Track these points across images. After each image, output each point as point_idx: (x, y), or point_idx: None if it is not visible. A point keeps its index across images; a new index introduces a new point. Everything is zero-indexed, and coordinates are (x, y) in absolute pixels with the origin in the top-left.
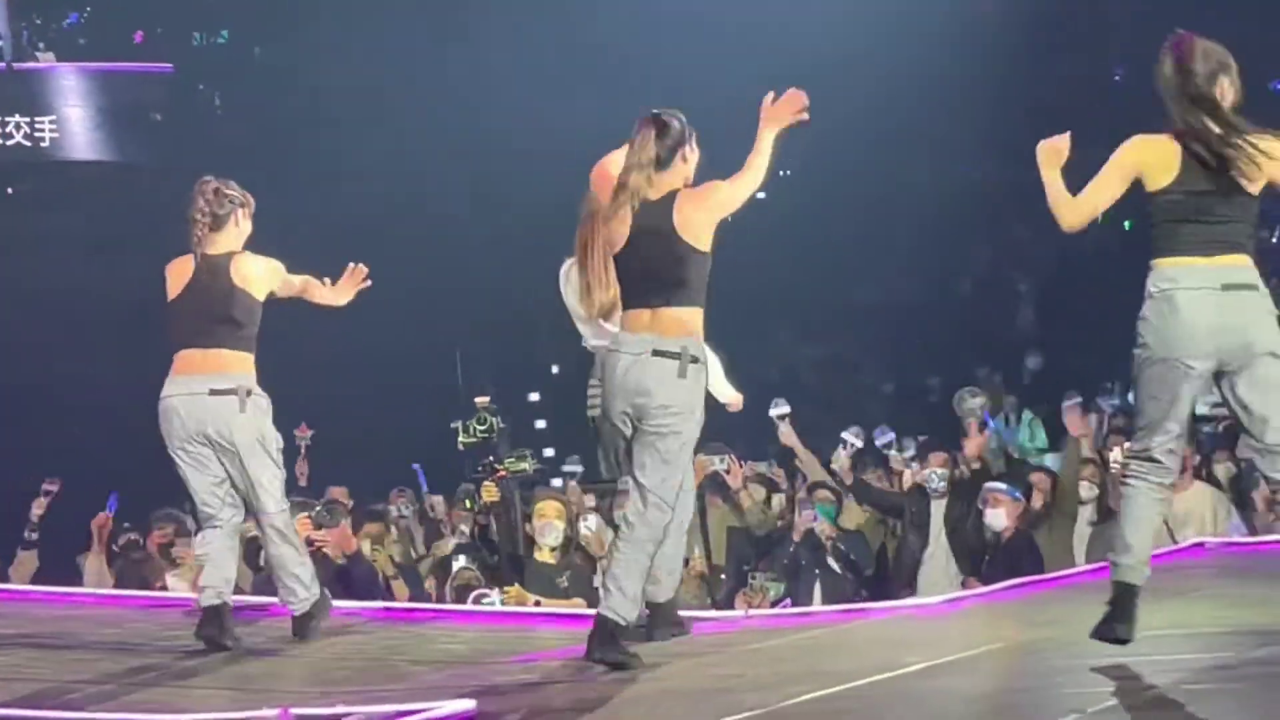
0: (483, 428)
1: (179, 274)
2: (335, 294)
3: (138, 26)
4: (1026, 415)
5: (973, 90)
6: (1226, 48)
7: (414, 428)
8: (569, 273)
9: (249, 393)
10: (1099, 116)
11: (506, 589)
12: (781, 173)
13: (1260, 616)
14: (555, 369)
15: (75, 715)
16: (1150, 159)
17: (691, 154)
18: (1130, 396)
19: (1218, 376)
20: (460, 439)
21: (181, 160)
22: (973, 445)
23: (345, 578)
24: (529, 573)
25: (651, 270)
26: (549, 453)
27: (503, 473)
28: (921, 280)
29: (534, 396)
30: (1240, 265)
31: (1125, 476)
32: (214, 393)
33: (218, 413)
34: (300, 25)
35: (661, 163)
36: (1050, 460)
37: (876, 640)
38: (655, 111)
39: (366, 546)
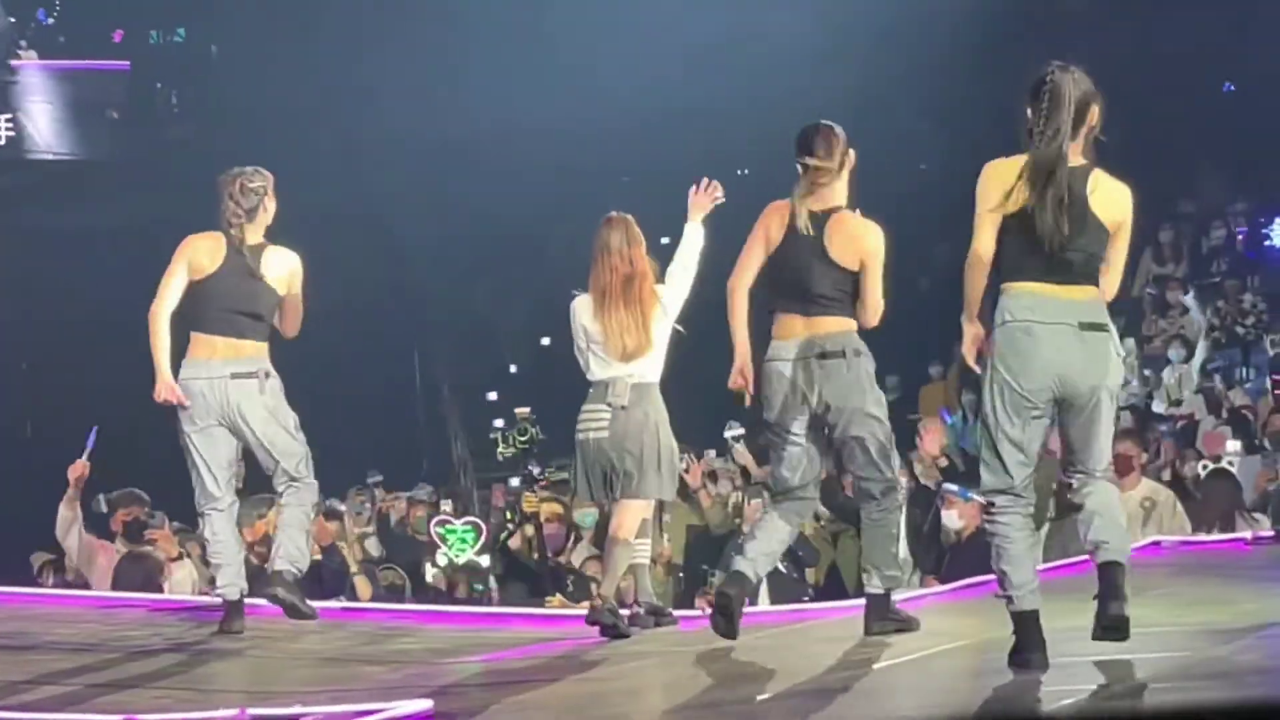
0: (523, 439)
1: (210, 255)
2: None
3: (102, 24)
4: None
5: (933, 87)
6: (1176, 50)
7: (372, 425)
8: (577, 307)
9: (267, 374)
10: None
11: (549, 598)
12: (739, 171)
13: (1218, 615)
14: (513, 368)
15: (27, 717)
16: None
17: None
18: None
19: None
20: (499, 449)
21: (137, 158)
22: (932, 443)
23: (316, 572)
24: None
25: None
26: (507, 453)
27: (545, 483)
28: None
29: (492, 396)
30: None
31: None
32: (235, 376)
33: (239, 394)
34: (257, 25)
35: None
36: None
37: (834, 639)
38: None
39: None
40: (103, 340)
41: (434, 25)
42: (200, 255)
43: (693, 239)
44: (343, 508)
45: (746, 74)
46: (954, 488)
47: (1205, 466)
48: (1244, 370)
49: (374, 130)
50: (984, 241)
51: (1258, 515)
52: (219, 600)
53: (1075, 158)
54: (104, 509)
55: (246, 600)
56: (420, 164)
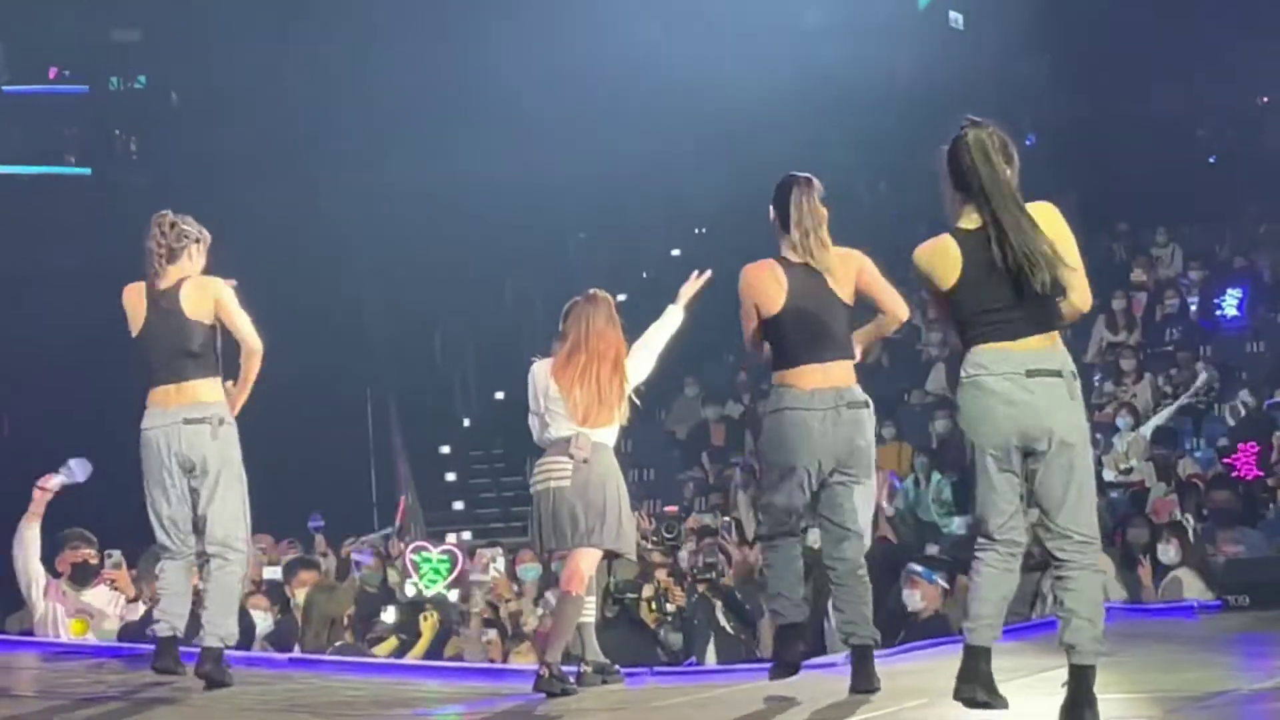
0: (670, 536)
1: (134, 307)
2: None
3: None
4: (936, 477)
5: (887, 151)
6: (1133, 119)
7: (322, 474)
8: (545, 373)
9: (221, 421)
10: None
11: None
12: (697, 230)
13: (1164, 683)
14: (466, 422)
15: None
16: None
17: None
18: None
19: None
20: (649, 544)
21: (96, 203)
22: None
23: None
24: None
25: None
26: (458, 505)
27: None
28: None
29: (445, 449)
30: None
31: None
32: (188, 421)
33: (192, 440)
34: (218, 73)
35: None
36: (958, 523)
37: (783, 697)
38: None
39: (302, 595)
40: (55, 382)
41: (391, 78)
42: (132, 308)
43: (670, 322)
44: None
45: (704, 132)
46: (919, 568)
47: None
48: (1194, 440)
49: (331, 180)
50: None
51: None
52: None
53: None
54: None
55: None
56: (377, 215)
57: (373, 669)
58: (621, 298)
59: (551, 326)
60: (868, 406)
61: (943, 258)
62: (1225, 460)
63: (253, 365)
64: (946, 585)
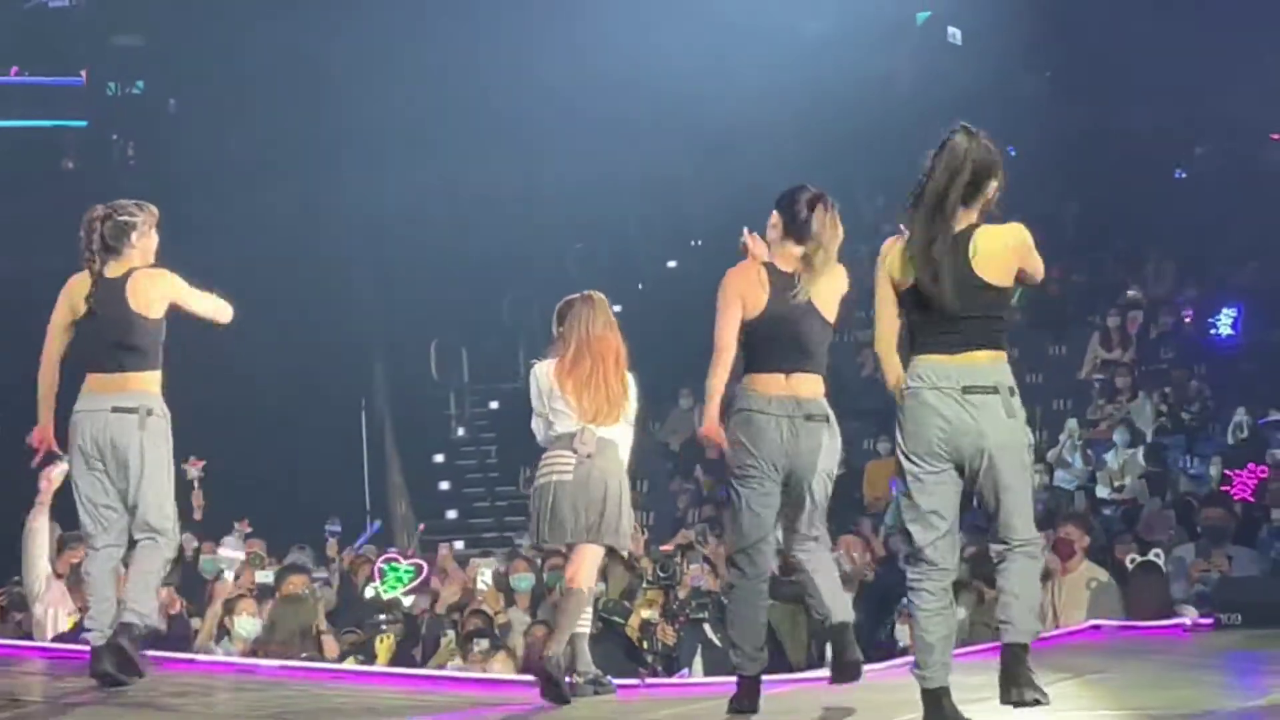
0: (665, 575)
1: (78, 293)
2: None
3: (53, 73)
4: None
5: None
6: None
7: (316, 483)
8: (547, 374)
9: (149, 412)
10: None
11: None
12: (693, 242)
13: (1154, 700)
14: (460, 431)
15: None
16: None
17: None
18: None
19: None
20: (644, 584)
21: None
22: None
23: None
24: None
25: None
26: (451, 515)
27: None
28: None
29: (438, 458)
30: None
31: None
32: (115, 410)
33: (118, 429)
34: (216, 80)
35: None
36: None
37: (773, 711)
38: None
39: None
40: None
41: (389, 88)
42: (75, 295)
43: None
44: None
45: (702, 145)
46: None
47: (1133, 560)
48: (1188, 458)
49: (329, 189)
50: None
51: (1185, 610)
52: (153, 654)
53: (964, 222)
54: None
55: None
56: (374, 224)
57: (365, 677)
58: (618, 309)
59: (547, 336)
60: (828, 422)
61: (900, 258)
62: (1227, 472)
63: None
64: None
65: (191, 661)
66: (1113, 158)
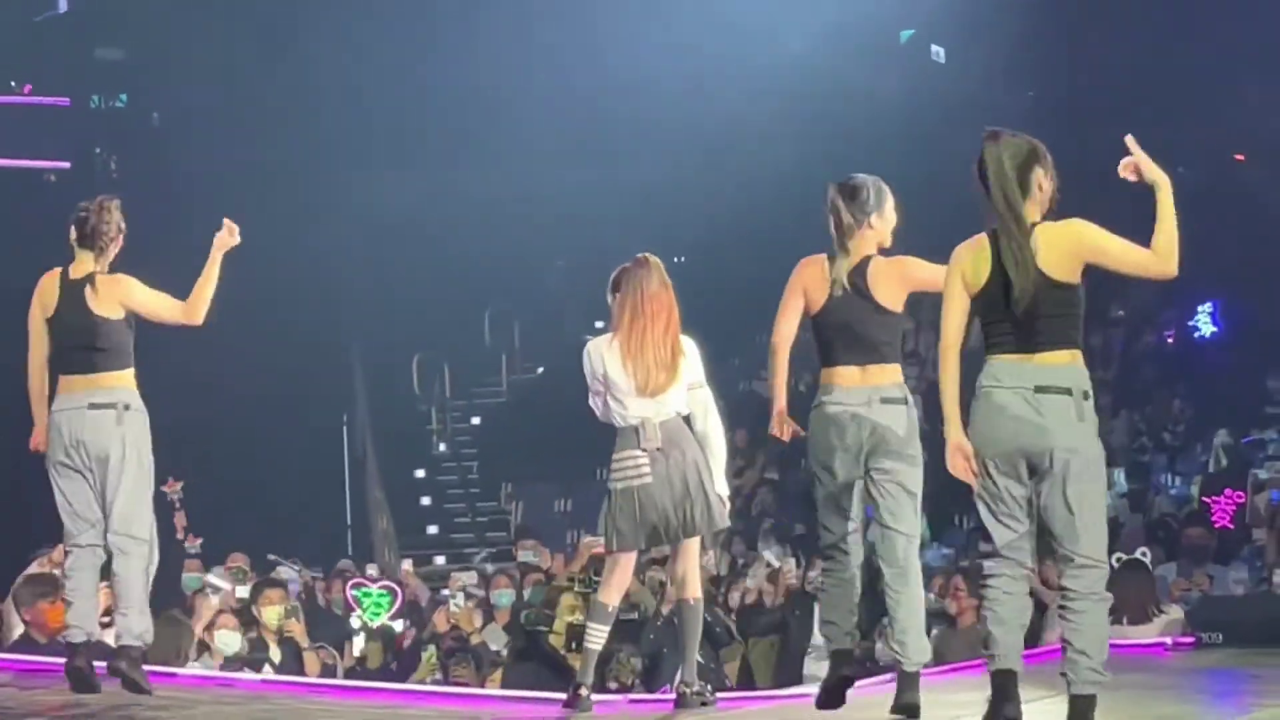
0: (598, 579)
1: (50, 293)
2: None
3: (36, 85)
4: None
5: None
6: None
7: (297, 496)
8: (600, 351)
9: (126, 406)
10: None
11: None
12: (676, 259)
13: (1143, 716)
14: (442, 447)
15: None
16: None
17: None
18: None
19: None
20: (576, 590)
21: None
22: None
23: None
24: None
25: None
26: (432, 530)
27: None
28: (802, 368)
29: (419, 473)
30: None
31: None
32: (92, 406)
33: (96, 425)
34: (200, 94)
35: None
36: (932, 555)
37: None
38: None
39: (272, 614)
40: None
41: (373, 103)
42: (45, 295)
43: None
44: (288, 576)
45: (685, 161)
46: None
47: (1120, 559)
48: (1169, 477)
49: (315, 202)
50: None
51: (1170, 609)
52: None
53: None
54: None
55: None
56: (356, 239)
57: (346, 691)
58: (599, 325)
59: (529, 352)
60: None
61: (979, 255)
62: (1204, 499)
63: (196, 310)
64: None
65: (171, 675)
66: (1094, 178)
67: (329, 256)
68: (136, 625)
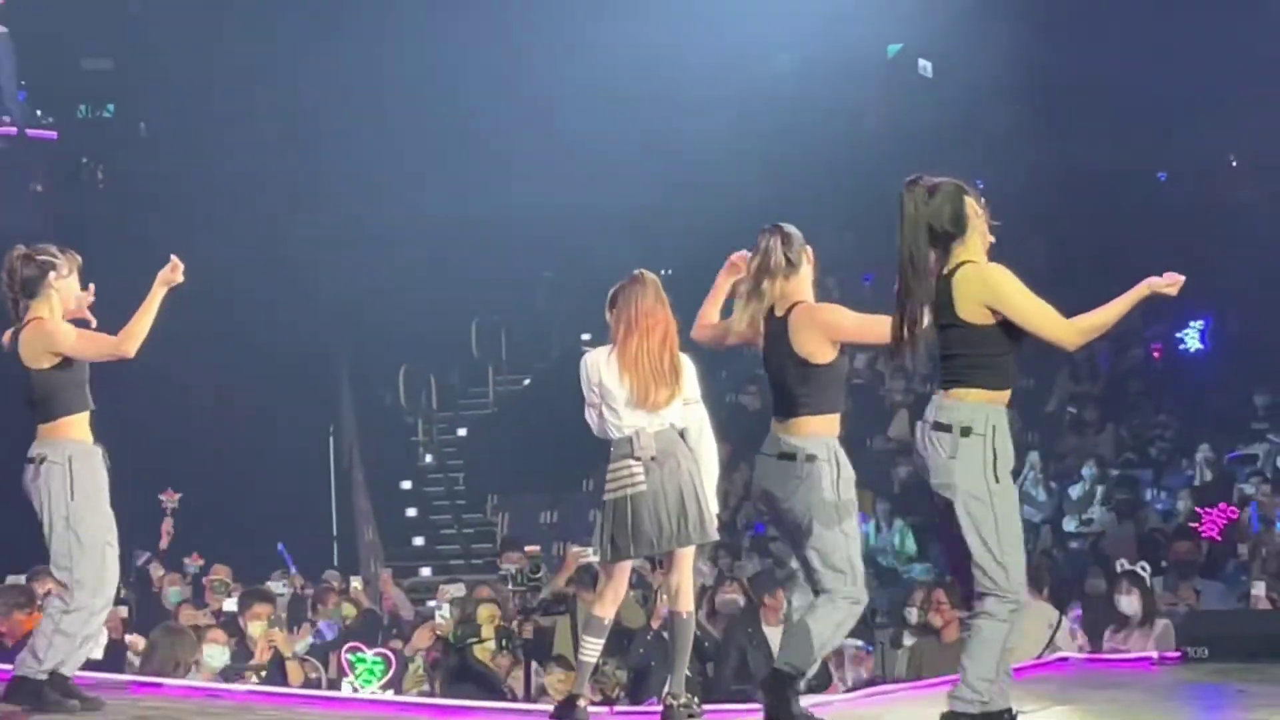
0: (536, 576)
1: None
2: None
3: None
4: (898, 523)
5: (853, 198)
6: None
7: (283, 508)
8: (598, 362)
9: (42, 460)
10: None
11: None
12: (664, 271)
13: None
14: (428, 458)
15: None
16: None
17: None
18: None
19: None
20: (511, 586)
21: (60, 233)
22: None
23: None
24: None
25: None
26: (418, 541)
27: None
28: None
29: (405, 485)
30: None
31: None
32: (28, 460)
33: (28, 480)
34: (187, 105)
35: (791, 266)
36: (919, 569)
37: None
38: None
39: (257, 627)
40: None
41: (360, 116)
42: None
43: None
44: (280, 590)
45: (672, 174)
46: (857, 642)
47: (1122, 565)
48: (1155, 491)
49: (297, 217)
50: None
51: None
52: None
53: (958, 257)
54: None
55: None
56: (343, 251)
57: (333, 703)
58: (586, 337)
59: (516, 364)
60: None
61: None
62: (1197, 509)
63: (128, 346)
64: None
65: (159, 686)
66: (1080, 191)
67: (316, 267)
68: (32, 661)
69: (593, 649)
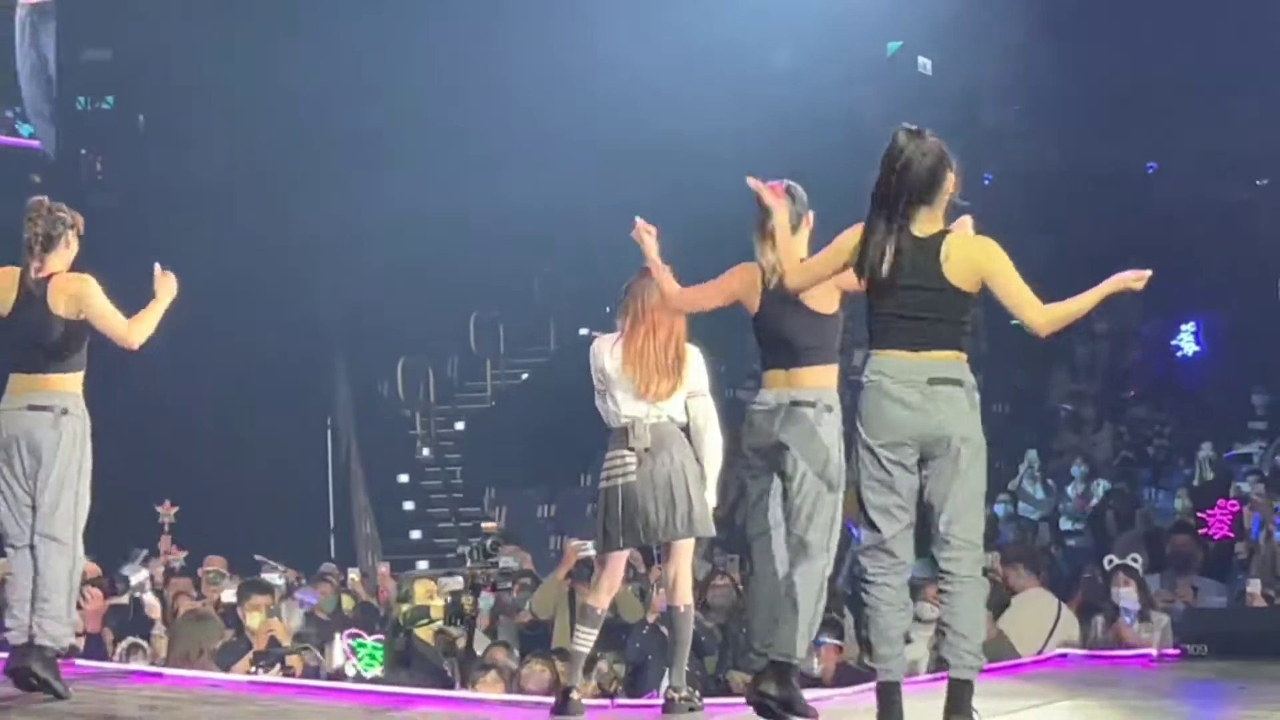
0: (493, 555)
1: (4, 291)
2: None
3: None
4: None
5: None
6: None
7: (280, 499)
8: (603, 349)
9: (64, 411)
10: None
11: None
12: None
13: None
14: (425, 451)
15: None
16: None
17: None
18: None
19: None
20: (469, 563)
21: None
22: None
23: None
24: None
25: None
26: (415, 535)
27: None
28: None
29: (403, 478)
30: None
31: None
32: (31, 407)
33: (31, 426)
34: (187, 98)
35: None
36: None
37: None
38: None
39: (256, 618)
40: None
41: (358, 107)
42: (2, 291)
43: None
44: (278, 580)
45: (670, 170)
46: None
47: (1110, 561)
48: (1153, 490)
49: (295, 207)
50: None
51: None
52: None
53: (929, 226)
54: None
55: None
56: (342, 244)
57: (333, 693)
58: (583, 332)
59: (514, 358)
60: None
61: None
62: (1200, 514)
63: (139, 331)
64: (839, 641)
65: (158, 675)
66: (1081, 189)
67: (315, 260)
68: (52, 627)
69: (586, 639)
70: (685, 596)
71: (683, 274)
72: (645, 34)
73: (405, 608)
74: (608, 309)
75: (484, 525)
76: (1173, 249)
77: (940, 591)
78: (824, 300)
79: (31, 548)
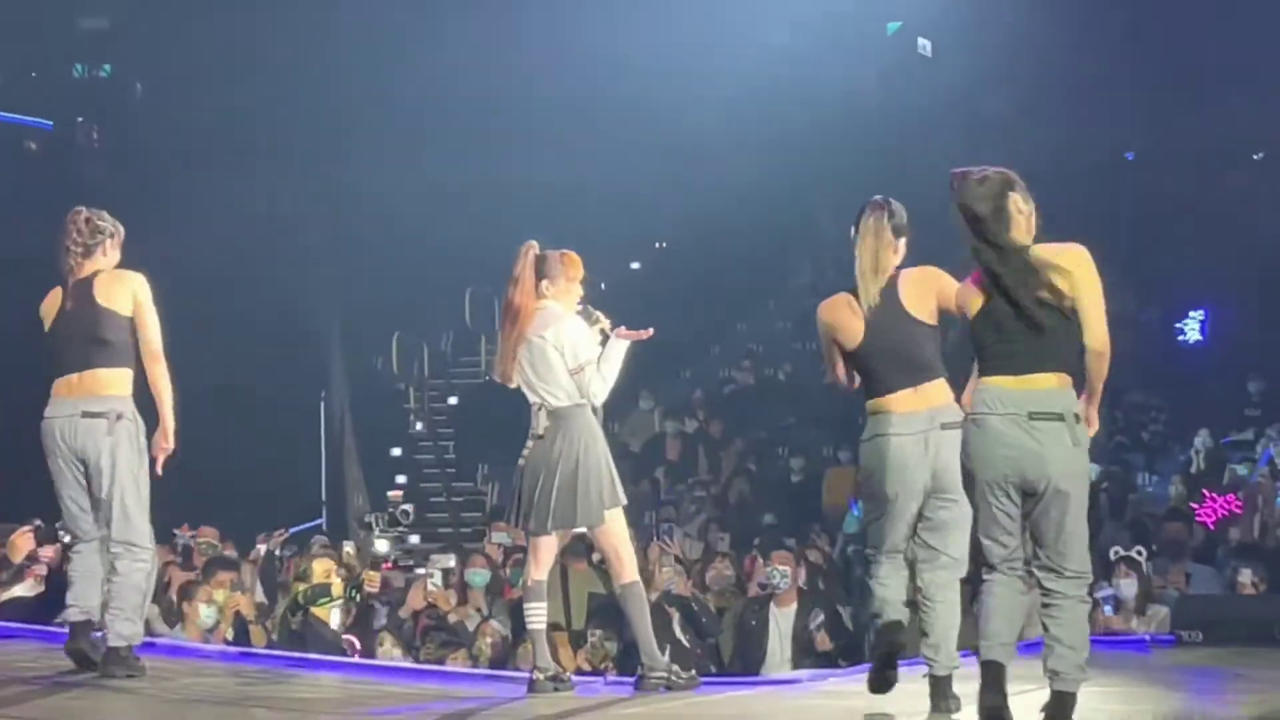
0: (406, 522)
1: (51, 305)
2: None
3: (20, 55)
4: None
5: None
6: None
7: (273, 474)
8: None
9: (119, 416)
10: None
11: None
12: (658, 244)
13: (1126, 713)
14: (419, 426)
15: None
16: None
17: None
18: None
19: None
20: (377, 530)
21: (55, 192)
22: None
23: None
24: None
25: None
26: (407, 509)
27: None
28: (782, 358)
29: (396, 452)
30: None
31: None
32: (85, 415)
33: (86, 435)
34: (184, 66)
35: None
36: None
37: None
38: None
39: (221, 594)
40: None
41: (353, 82)
42: (46, 311)
43: (617, 356)
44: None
45: (667, 147)
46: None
47: (1116, 553)
48: (1146, 475)
49: (292, 179)
50: None
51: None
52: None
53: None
54: None
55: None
56: (337, 217)
57: (323, 666)
58: (578, 308)
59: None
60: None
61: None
62: (1205, 493)
63: (155, 372)
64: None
65: (151, 644)
66: (1080, 175)
67: (309, 233)
68: (125, 629)
69: (538, 614)
70: (628, 574)
71: (679, 248)
72: (644, 13)
73: (303, 586)
74: (603, 286)
75: (390, 494)
76: (1178, 238)
77: (1046, 606)
78: (931, 312)
79: (103, 544)
